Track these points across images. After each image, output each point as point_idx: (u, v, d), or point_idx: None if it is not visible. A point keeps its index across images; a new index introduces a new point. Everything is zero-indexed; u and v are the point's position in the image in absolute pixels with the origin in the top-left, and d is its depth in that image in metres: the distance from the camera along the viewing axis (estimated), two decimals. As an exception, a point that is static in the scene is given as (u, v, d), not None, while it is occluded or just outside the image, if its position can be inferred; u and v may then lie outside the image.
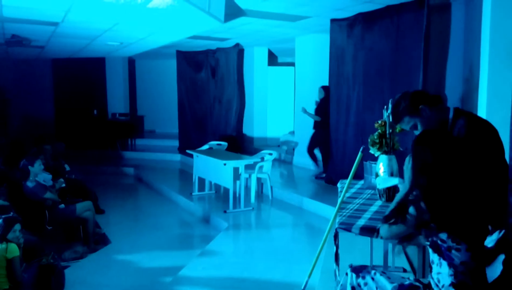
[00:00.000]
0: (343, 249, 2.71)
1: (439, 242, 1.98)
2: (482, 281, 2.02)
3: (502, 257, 2.15)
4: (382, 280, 2.16)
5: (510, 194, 2.18)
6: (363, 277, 2.22)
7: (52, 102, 13.20)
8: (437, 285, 2.05)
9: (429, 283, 2.09)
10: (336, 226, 2.65)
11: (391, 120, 2.86)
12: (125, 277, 4.40)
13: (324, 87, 7.48)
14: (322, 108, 7.46)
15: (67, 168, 7.04)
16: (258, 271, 4.18)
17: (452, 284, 1.97)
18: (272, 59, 11.16)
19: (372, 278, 2.19)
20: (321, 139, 7.52)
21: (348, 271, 2.31)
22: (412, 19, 5.39)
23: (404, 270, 3.65)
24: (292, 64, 9.94)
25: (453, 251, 1.96)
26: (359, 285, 2.22)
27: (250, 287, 3.76)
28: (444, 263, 1.99)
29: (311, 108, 8.31)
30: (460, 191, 2.02)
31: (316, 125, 7.64)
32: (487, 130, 2.41)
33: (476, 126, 2.42)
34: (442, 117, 2.49)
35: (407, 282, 2.14)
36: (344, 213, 2.85)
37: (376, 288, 2.15)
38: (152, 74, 14.15)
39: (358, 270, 2.27)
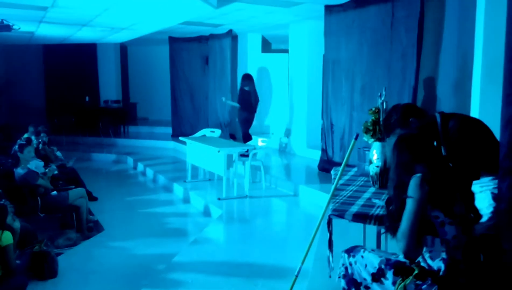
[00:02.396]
0: (336, 236, 2.73)
1: (432, 219, 2.07)
2: (472, 258, 2.10)
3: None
4: (370, 256, 2.26)
5: (501, 180, 2.21)
6: (354, 256, 2.32)
7: (44, 88, 13.04)
8: (425, 261, 2.11)
9: (418, 261, 2.15)
10: (330, 213, 2.67)
11: (382, 131, 2.99)
12: (118, 264, 4.40)
13: (246, 75, 8.45)
14: (244, 95, 8.30)
15: (59, 155, 6.99)
16: (251, 257, 4.20)
17: (442, 259, 2.06)
18: (266, 45, 11.08)
19: (362, 256, 2.29)
20: (243, 122, 8.36)
21: (342, 253, 2.40)
22: (406, 5, 5.36)
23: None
24: (286, 51, 9.87)
25: (446, 225, 2.04)
26: (350, 264, 2.32)
27: (243, 273, 3.78)
28: (437, 240, 2.07)
29: (303, 96, 8.29)
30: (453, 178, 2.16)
31: (239, 110, 8.44)
32: (477, 125, 2.60)
33: (466, 122, 2.61)
34: (431, 124, 2.61)
35: (394, 257, 2.22)
36: (338, 200, 2.87)
37: (365, 265, 2.24)
38: (144, 61, 13.98)
39: (350, 250, 2.38)
